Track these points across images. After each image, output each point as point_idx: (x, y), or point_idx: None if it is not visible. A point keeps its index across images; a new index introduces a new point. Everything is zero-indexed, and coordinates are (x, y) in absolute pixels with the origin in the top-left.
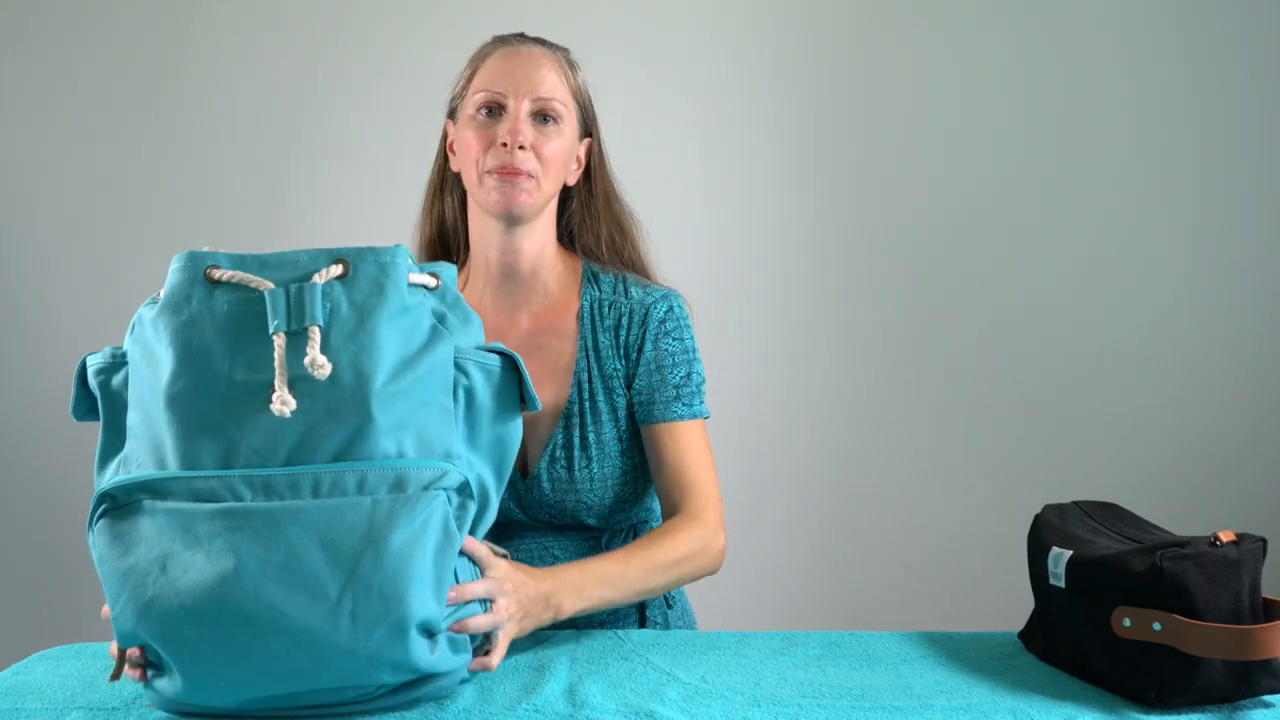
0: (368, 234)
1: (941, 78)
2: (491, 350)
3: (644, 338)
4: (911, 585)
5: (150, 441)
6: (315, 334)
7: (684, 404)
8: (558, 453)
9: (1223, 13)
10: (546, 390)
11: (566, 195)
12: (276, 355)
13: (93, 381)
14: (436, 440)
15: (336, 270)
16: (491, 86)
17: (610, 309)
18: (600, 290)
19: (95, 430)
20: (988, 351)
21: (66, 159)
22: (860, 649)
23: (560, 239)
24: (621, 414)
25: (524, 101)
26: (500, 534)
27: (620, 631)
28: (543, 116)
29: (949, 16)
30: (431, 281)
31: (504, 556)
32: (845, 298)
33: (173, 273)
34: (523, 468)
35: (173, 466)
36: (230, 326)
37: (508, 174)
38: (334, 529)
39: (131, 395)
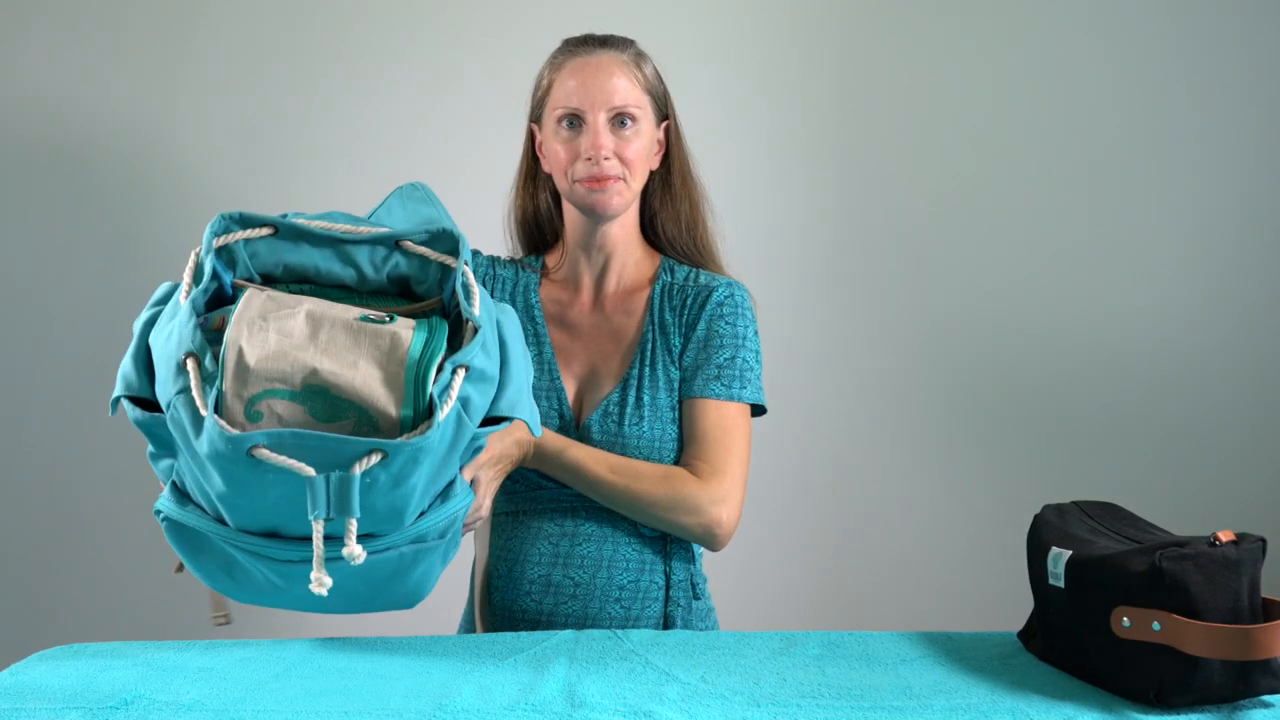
0: None
1: (936, 78)
2: (500, 418)
3: (700, 316)
4: (911, 585)
5: (201, 491)
6: (353, 526)
7: (723, 384)
8: (611, 409)
9: (1221, 12)
10: (612, 361)
11: (649, 179)
12: (315, 543)
13: (134, 424)
14: (444, 481)
15: (375, 458)
16: (569, 103)
17: (678, 291)
18: (674, 278)
19: (97, 435)
20: (987, 350)
21: (71, 154)
22: (859, 649)
23: (643, 225)
24: (677, 385)
25: (600, 113)
26: (537, 500)
27: (620, 631)
28: (620, 120)
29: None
30: (458, 385)
31: None
32: (842, 296)
33: (211, 437)
34: (577, 419)
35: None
36: (274, 484)
37: (598, 184)
38: (368, 572)
39: (178, 449)
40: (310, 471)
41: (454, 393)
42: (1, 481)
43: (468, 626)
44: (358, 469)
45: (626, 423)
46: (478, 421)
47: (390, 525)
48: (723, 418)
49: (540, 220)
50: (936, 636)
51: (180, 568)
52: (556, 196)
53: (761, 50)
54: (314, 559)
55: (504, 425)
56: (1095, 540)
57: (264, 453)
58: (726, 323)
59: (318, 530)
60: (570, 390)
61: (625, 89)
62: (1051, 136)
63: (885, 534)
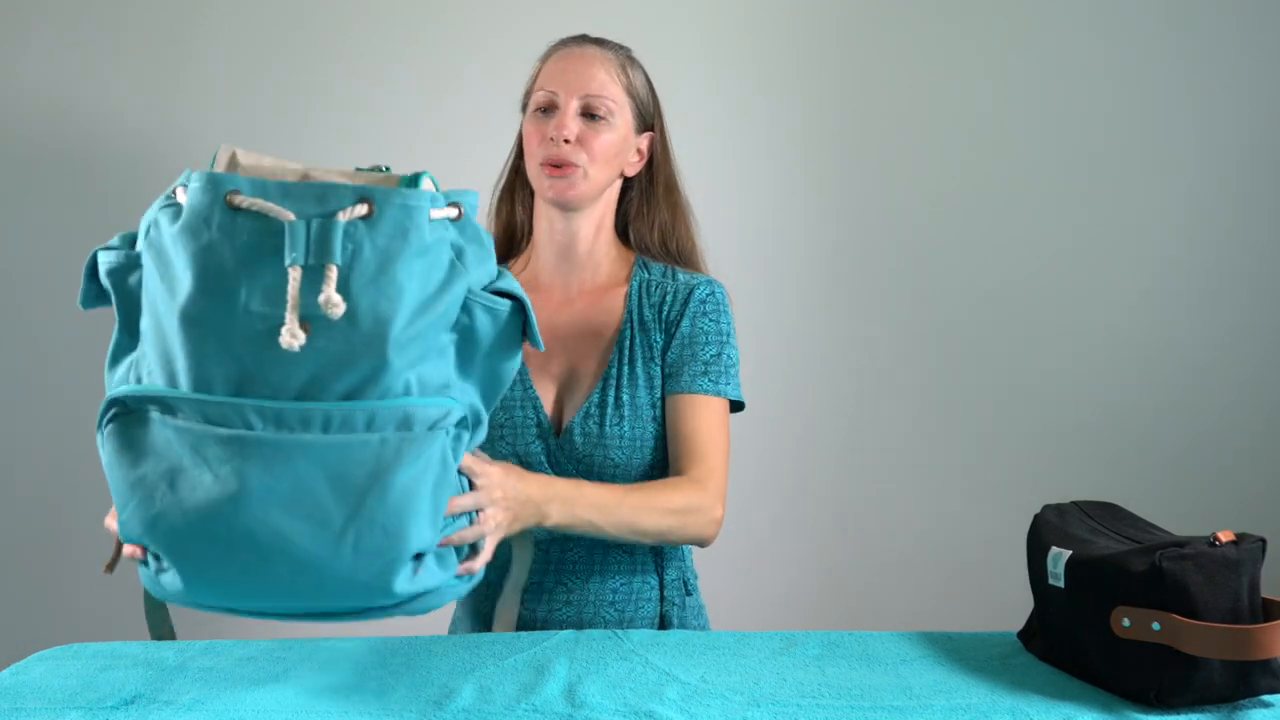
0: None
1: (936, 79)
2: (501, 293)
3: (683, 314)
4: (911, 585)
5: (161, 353)
6: (332, 272)
7: (710, 380)
8: (593, 410)
9: (1222, 12)
10: (590, 360)
11: (628, 185)
12: (290, 288)
13: (106, 279)
14: (435, 374)
15: (361, 210)
16: (546, 86)
17: (657, 288)
18: (650, 274)
19: (96, 427)
20: (987, 350)
21: (72, 154)
22: (859, 649)
23: (617, 229)
24: (657, 382)
25: (573, 99)
26: None
27: (620, 631)
28: (591, 113)
29: (972, 13)
30: (453, 213)
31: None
32: (842, 294)
33: (193, 192)
34: (557, 425)
35: (183, 385)
36: (250, 256)
37: (556, 169)
38: (342, 464)
39: (145, 299)
40: (289, 216)
41: (446, 210)
42: (1, 481)
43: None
44: (342, 216)
45: (607, 423)
46: (471, 271)
47: (370, 348)
48: (711, 414)
49: (515, 228)
50: (936, 636)
51: (112, 566)
52: (534, 195)
53: (761, 51)
54: (287, 308)
55: (505, 305)
56: (1095, 540)
57: (242, 199)
58: (710, 320)
59: (294, 277)
60: (547, 397)
61: (603, 80)
62: (1052, 137)
63: (885, 534)
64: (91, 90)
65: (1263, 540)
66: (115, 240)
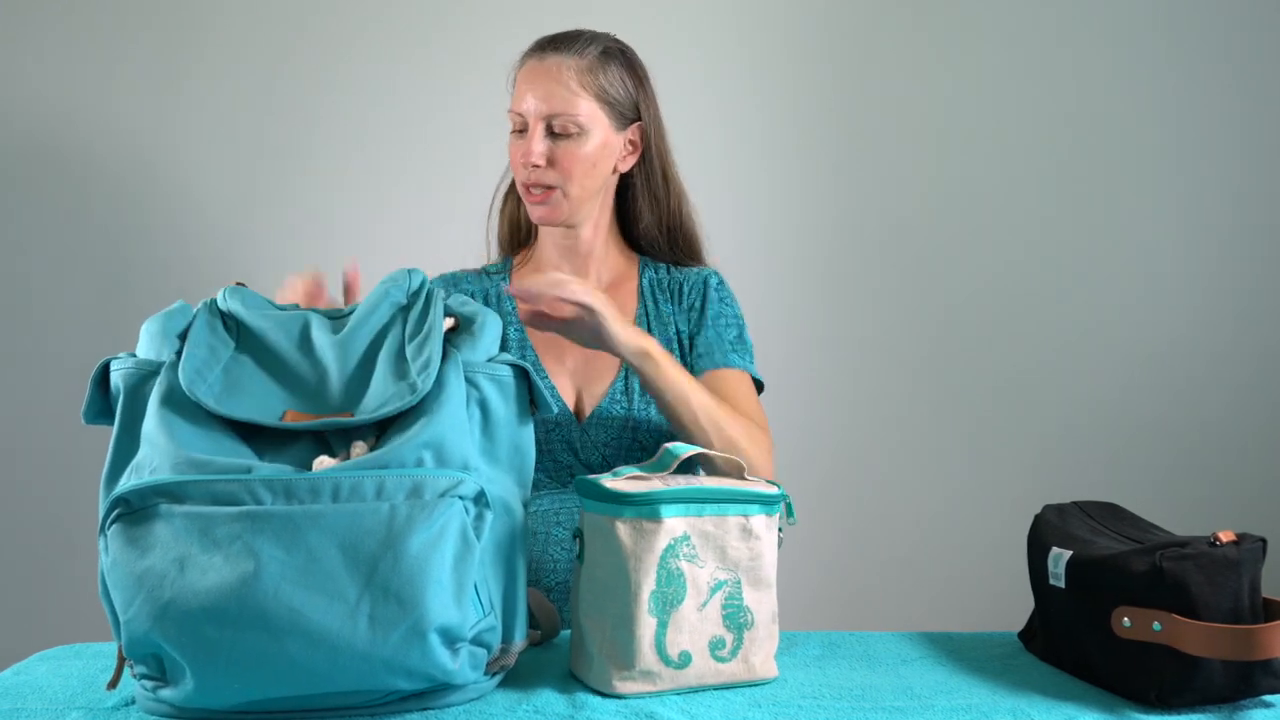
0: (393, 237)
1: (934, 73)
2: (501, 361)
3: (705, 300)
4: (912, 585)
5: (166, 447)
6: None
7: (739, 356)
8: (618, 395)
9: (1222, 12)
10: (605, 354)
11: (627, 177)
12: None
13: (122, 384)
14: (454, 452)
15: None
16: (515, 108)
17: (669, 283)
18: (655, 272)
19: (96, 435)
20: (988, 351)
21: (71, 161)
22: (860, 649)
23: (621, 223)
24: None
25: (539, 123)
26: (537, 487)
27: None
28: (558, 128)
29: (967, 13)
30: (449, 323)
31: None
32: (842, 294)
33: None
34: (578, 415)
35: (190, 472)
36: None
37: (534, 197)
38: (353, 533)
39: (152, 403)
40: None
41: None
42: (1, 481)
43: None
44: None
45: (635, 407)
46: (464, 353)
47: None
48: (747, 387)
49: (520, 224)
50: (937, 637)
51: (115, 683)
52: None
53: (756, 46)
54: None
55: (506, 371)
56: (1096, 540)
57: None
58: (726, 305)
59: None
60: (565, 386)
61: (564, 98)
62: (1050, 137)
63: (885, 534)
64: (90, 102)
65: (1263, 540)
66: (124, 355)
